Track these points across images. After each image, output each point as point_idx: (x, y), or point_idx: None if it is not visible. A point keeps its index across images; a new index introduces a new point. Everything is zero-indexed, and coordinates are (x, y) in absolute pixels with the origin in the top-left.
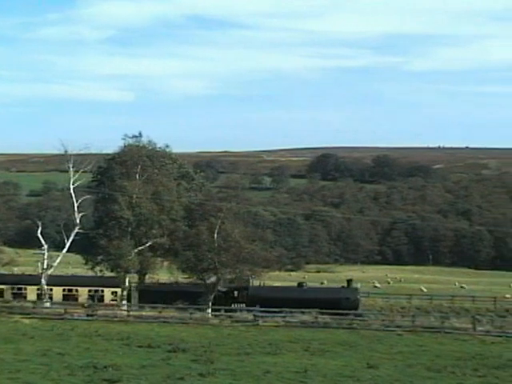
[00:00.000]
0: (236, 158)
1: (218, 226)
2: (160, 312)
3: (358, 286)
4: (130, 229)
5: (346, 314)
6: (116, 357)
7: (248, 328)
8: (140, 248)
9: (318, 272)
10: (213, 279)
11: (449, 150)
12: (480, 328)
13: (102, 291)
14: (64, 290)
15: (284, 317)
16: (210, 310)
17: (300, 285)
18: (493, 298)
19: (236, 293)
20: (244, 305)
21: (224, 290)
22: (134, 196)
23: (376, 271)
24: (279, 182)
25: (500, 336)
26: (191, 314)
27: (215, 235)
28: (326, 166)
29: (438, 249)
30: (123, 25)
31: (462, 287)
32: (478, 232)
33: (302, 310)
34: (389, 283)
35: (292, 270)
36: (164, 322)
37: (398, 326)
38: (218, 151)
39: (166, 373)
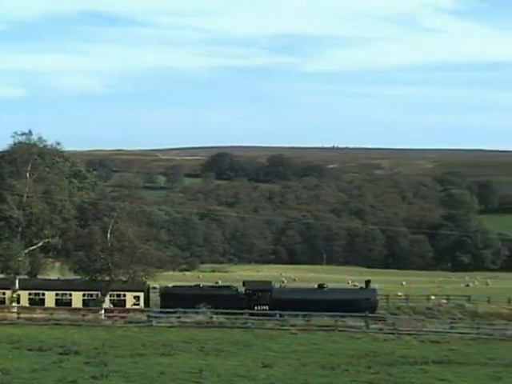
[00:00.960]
0: (130, 157)
1: (111, 226)
2: (51, 314)
3: (376, 286)
4: (20, 229)
5: (241, 314)
6: (6, 360)
7: (142, 329)
8: (31, 248)
9: (213, 272)
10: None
11: (342, 149)
12: (373, 326)
13: (124, 295)
14: (84, 295)
15: (178, 317)
16: (103, 312)
17: (320, 286)
18: (385, 295)
19: (259, 295)
20: (267, 307)
21: (246, 292)
22: (25, 195)
23: (270, 270)
24: (174, 181)
25: (392, 333)
26: (84, 315)
27: (108, 235)
28: (221, 165)
29: (332, 248)
30: (14, 19)
31: (355, 285)
32: (370, 231)
33: (324, 311)
34: (283, 282)
35: (186, 270)
36: (55, 324)
37: (292, 325)
38: (112, 149)
39: (58, 376)
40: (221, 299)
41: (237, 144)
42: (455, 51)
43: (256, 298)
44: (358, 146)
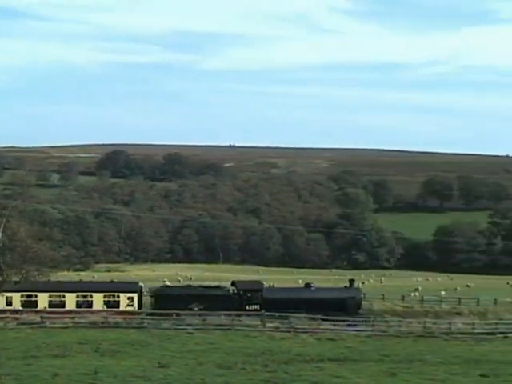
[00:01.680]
0: (22, 154)
1: (2, 225)
2: None
3: (360, 285)
4: None
5: (139, 314)
6: None
7: (35, 330)
8: None
9: (108, 271)
10: None
11: (239, 148)
12: (269, 324)
13: (118, 296)
14: (78, 296)
15: (73, 318)
16: None
17: (307, 285)
18: None
19: (249, 295)
20: (258, 306)
21: (237, 292)
22: None
23: (166, 269)
24: (67, 179)
25: (289, 331)
26: None
27: (0, 234)
28: (116, 163)
29: (229, 246)
30: None
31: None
32: (266, 230)
33: (314, 310)
34: (179, 282)
35: (81, 270)
36: None
37: (188, 325)
38: (3, 146)
39: None
40: (212, 299)
41: (132, 141)
42: (353, 52)
43: (247, 297)
44: (254, 144)
